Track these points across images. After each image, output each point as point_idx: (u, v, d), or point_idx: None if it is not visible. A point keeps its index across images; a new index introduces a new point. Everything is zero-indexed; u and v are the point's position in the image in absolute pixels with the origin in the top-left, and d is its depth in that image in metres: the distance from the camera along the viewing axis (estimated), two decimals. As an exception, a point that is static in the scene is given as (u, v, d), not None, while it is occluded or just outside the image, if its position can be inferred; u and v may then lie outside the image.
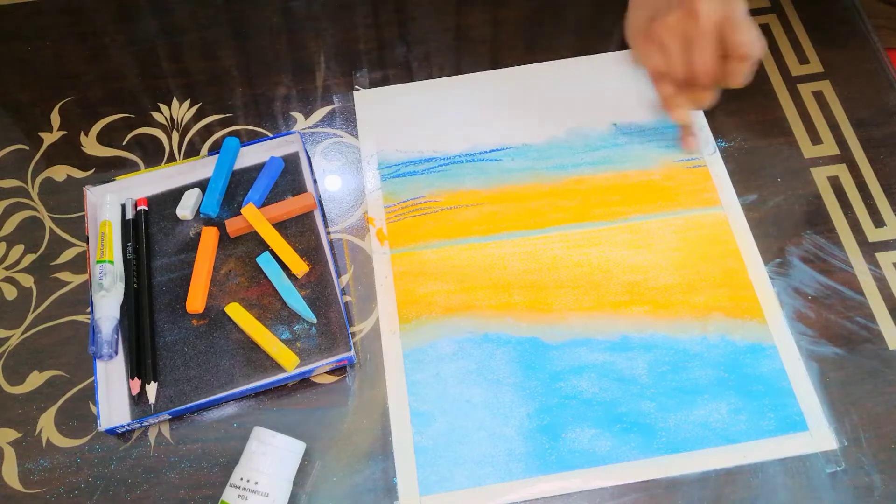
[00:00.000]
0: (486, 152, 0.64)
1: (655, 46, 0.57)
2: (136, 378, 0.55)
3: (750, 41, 0.54)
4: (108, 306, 0.56)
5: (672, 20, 0.55)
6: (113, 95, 0.68)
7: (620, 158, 0.63)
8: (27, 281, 0.60)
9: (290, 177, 0.63)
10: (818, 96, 0.66)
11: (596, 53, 0.68)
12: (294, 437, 0.51)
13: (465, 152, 0.64)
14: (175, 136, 0.66)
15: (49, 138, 0.66)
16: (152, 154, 0.65)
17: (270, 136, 0.64)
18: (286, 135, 0.63)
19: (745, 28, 0.54)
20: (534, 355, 0.56)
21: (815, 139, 0.64)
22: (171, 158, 0.65)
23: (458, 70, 0.68)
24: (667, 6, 0.56)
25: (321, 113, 0.67)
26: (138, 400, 0.55)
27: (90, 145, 0.66)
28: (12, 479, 0.53)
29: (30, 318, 0.59)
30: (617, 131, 0.65)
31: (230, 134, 0.66)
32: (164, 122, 0.67)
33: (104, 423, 0.53)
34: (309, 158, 0.64)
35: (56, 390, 0.56)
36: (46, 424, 0.55)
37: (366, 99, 0.67)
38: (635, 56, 0.60)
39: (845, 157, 0.63)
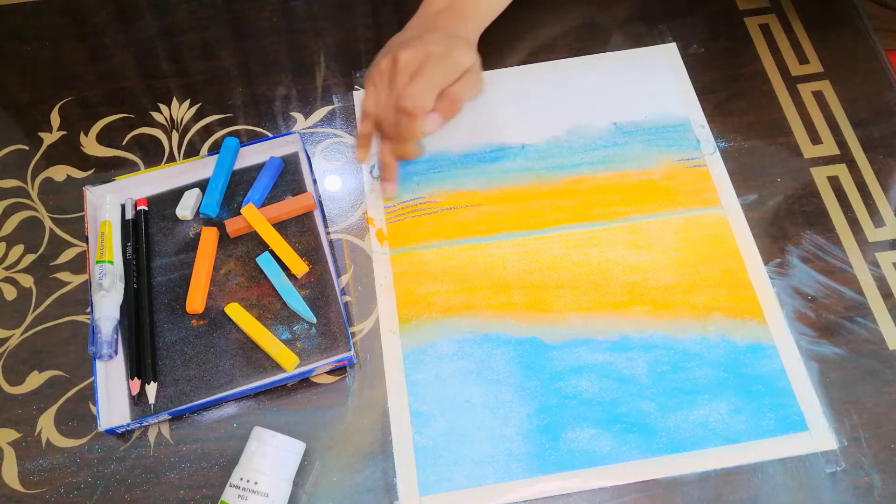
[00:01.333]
0: (486, 152, 0.64)
1: (371, 86, 0.58)
2: (135, 378, 0.55)
3: (409, 95, 0.54)
4: (107, 306, 0.56)
5: (382, 64, 0.57)
6: (113, 95, 0.68)
7: (620, 158, 0.63)
8: (27, 281, 0.60)
9: (289, 177, 0.63)
10: (818, 96, 0.66)
11: (596, 53, 0.68)
12: (294, 437, 0.51)
13: (465, 152, 0.64)
14: (175, 136, 0.66)
15: (49, 138, 0.66)
16: (152, 154, 0.65)
17: (270, 136, 0.64)
18: (286, 135, 0.63)
19: (417, 83, 0.54)
20: (534, 355, 0.56)
21: (815, 139, 0.64)
22: (171, 158, 0.65)
23: (457, 70, 0.68)
24: (390, 49, 0.58)
25: (321, 113, 0.67)
26: (138, 400, 0.55)
27: (90, 145, 0.66)
28: (12, 480, 0.53)
29: (30, 318, 0.59)
30: (617, 131, 0.65)
31: (230, 134, 0.66)
32: (164, 122, 0.67)
33: (104, 424, 0.53)
34: (309, 158, 0.64)
35: (56, 390, 0.56)
36: (46, 424, 0.55)
37: (365, 99, 0.67)
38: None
39: (845, 157, 0.63)
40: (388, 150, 0.59)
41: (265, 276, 0.58)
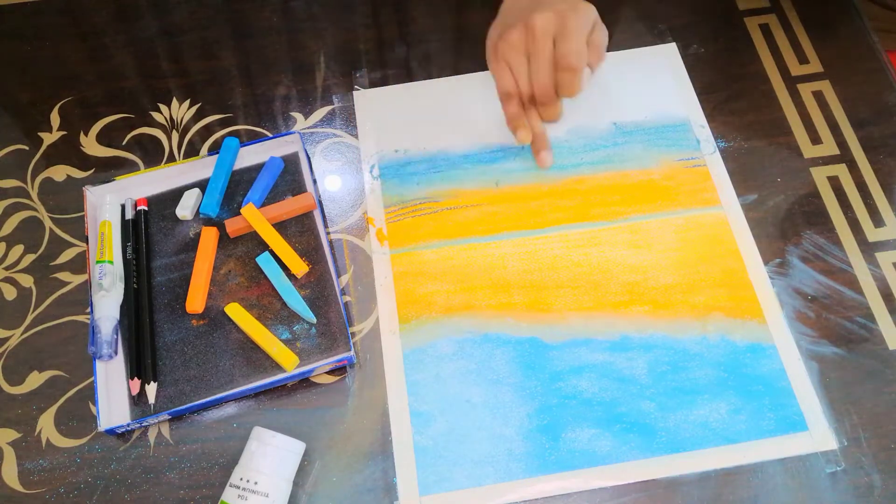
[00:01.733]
0: (486, 152, 0.64)
1: (503, 64, 0.57)
2: (135, 378, 0.55)
3: (572, 51, 0.54)
4: (107, 306, 0.56)
5: (513, 37, 0.55)
6: (113, 95, 0.68)
7: (620, 158, 0.63)
8: (27, 281, 0.60)
9: (289, 177, 0.63)
10: (818, 96, 0.66)
11: (596, 53, 0.68)
12: (294, 437, 0.51)
13: (465, 152, 0.64)
14: (175, 136, 0.66)
15: (49, 138, 0.66)
16: (152, 154, 0.65)
17: (270, 136, 0.64)
18: (286, 135, 0.63)
19: (571, 39, 0.54)
20: (534, 355, 0.56)
21: (815, 139, 0.64)
22: (171, 158, 0.65)
23: (457, 70, 0.68)
24: (515, 21, 0.56)
25: (321, 113, 0.67)
26: (138, 400, 0.55)
27: (90, 145, 0.66)
28: (12, 480, 0.53)
29: (29, 318, 0.59)
30: (617, 131, 0.65)
31: (230, 134, 0.66)
32: (164, 122, 0.67)
33: (104, 424, 0.53)
34: (309, 158, 0.64)
35: (56, 390, 0.56)
36: (46, 424, 0.55)
37: (365, 99, 0.67)
38: (491, 72, 0.59)
39: (845, 157, 0.63)
40: (537, 118, 0.59)
41: (265, 276, 0.58)
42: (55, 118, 0.67)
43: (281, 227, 0.60)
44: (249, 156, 0.64)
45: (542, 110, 0.58)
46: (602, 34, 0.57)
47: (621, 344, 0.56)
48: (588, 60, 0.55)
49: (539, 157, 0.62)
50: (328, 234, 0.61)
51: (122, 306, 0.57)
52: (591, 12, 0.56)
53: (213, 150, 0.64)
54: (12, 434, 0.55)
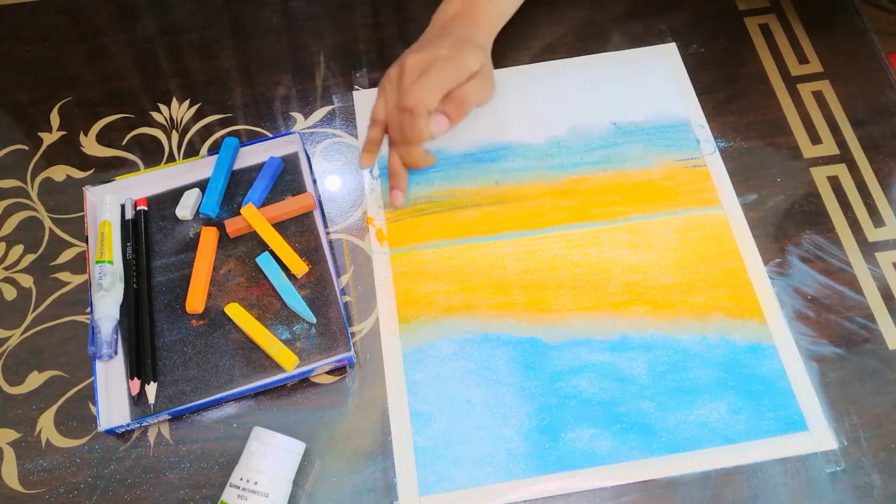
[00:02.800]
0: (485, 152, 0.64)
1: (381, 93, 0.58)
2: (135, 378, 0.55)
3: (411, 93, 0.54)
4: (107, 306, 0.56)
5: (392, 71, 0.57)
6: (112, 95, 0.68)
7: (620, 158, 0.63)
8: (27, 281, 0.60)
9: (289, 177, 0.63)
10: (818, 96, 0.66)
11: (596, 53, 0.68)
12: (294, 437, 0.51)
13: (465, 152, 0.64)
14: (175, 136, 0.66)
15: (48, 138, 0.66)
16: (152, 154, 0.65)
17: (270, 136, 0.64)
18: (286, 135, 0.63)
19: (420, 82, 0.54)
20: (534, 355, 0.56)
21: (815, 139, 0.64)
22: (171, 158, 0.65)
23: (457, 70, 0.68)
24: (401, 56, 0.58)
25: (321, 113, 0.67)
26: (138, 400, 0.55)
27: (90, 145, 0.66)
28: (12, 480, 0.53)
29: (29, 318, 0.59)
30: (617, 131, 0.65)
31: (230, 134, 0.66)
32: (164, 122, 0.67)
33: (104, 424, 0.53)
34: (308, 158, 0.64)
35: (56, 390, 0.56)
36: (46, 425, 0.55)
37: (366, 99, 0.67)
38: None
39: (845, 157, 0.63)
40: (396, 157, 0.59)
41: (265, 276, 0.58)
42: (55, 118, 0.67)
43: (281, 227, 0.60)
44: (249, 156, 0.64)
45: (400, 150, 0.58)
46: (475, 90, 0.57)
47: (621, 344, 0.56)
48: (447, 111, 0.56)
49: (391, 194, 0.61)
50: (328, 234, 0.61)
51: (121, 306, 0.57)
52: (471, 63, 0.56)
53: (213, 150, 0.64)
54: (12, 434, 0.55)
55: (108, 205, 0.61)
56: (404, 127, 0.55)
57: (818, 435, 0.52)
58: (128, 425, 0.53)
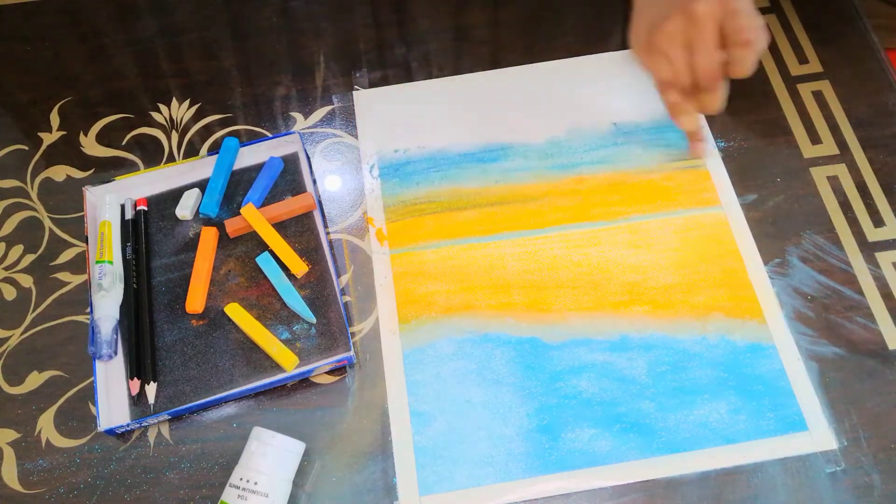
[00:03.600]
0: (486, 152, 0.64)
1: (659, 56, 0.56)
2: (135, 378, 0.55)
3: (752, 26, 0.52)
4: (107, 306, 0.56)
5: (671, 27, 0.54)
6: (112, 95, 0.68)
7: (620, 158, 0.63)
8: (27, 281, 0.60)
9: (289, 177, 0.63)
10: (818, 96, 0.66)
11: (596, 53, 0.68)
12: (294, 437, 0.51)
13: (465, 152, 0.64)
14: (174, 136, 0.66)
15: (48, 138, 0.66)
16: (152, 154, 0.65)
17: (270, 136, 0.64)
18: (286, 135, 0.63)
19: (743, 15, 0.52)
20: (533, 355, 0.56)
21: (815, 139, 0.64)
22: (171, 158, 0.65)
23: (457, 70, 0.68)
24: (666, 11, 0.55)
25: (321, 113, 0.67)
26: (138, 400, 0.55)
27: (89, 145, 0.66)
28: (12, 480, 0.53)
29: (29, 318, 0.59)
30: (617, 131, 0.65)
31: (230, 134, 0.66)
32: (164, 123, 0.67)
33: (104, 424, 0.53)
34: (308, 158, 0.64)
35: (55, 390, 0.56)
36: (46, 425, 0.55)
37: (365, 99, 0.67)
38: (642, 66, 0.58)
39: (845, 157, 0.63)
40: (695, 109, 0.58)
41: (265, 276, 0.58)
42: (55, 118, 0.67)
43: (281, 227, 0.60)
44: (249, 156, 0.64)
45: (704, 98, 0.56)
46: (759, 16, 0.55)
47: (621, 344, 0.56)
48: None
49: (696, 147, 0.61)
50: (328, 234, 0.61)
51: (121, 306, 0.57)
52: None
53: (213, 150, 0.64)
54: (12, 434, 0.55)
55: (108, 205, 0.61)
56: (737, 62, 0.53)
57: (818, 435, 0.52)
58: (128, 425, 0.53)
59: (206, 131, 0.66)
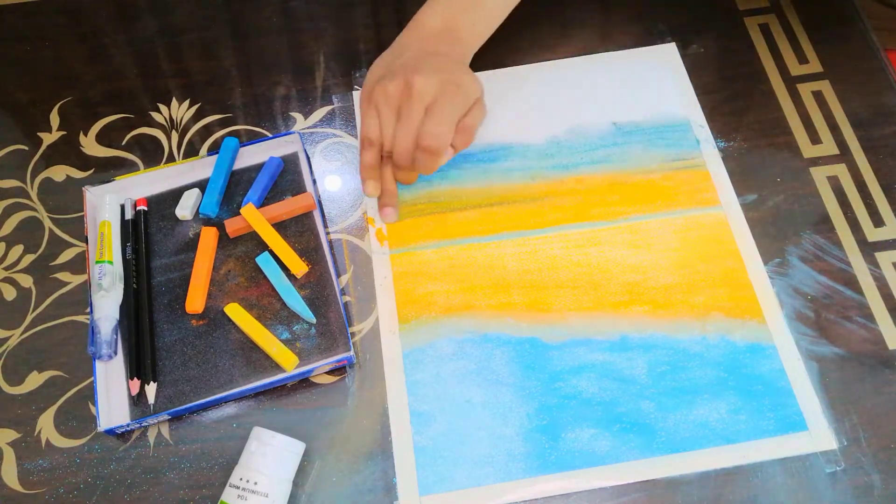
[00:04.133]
0: (486, 152, 0.64)
1: (372, 112, 0.56)
2: (135, 378, 0.55)
3: (436, 133, 0.53)
4: (107, 306, 0.56)
5: (391, 89, 0.54)
6: (112, 95, 0.68)
7: (620, 158, 0.63)
8: (26, 281, 0.60)
9: (289, 177, 0.63)
10: (818, 96, 0.66)
11: (596, 53, 0.68)
12: (294, 437, 0.51)
13: (465, 152, 0.64)
14: (174, 136, 0.66)
15: (48, 138, 0.66)
16: (151, 154, 0.65)
17: (270, 136, 0.64)
18: (285, 135, 0.63)
19: (438, 118, 0.53)
20: (533, 355, 0.56)
21: (815, 139, 0.64)
22: (171, 158, 0.65)
23: (457, 70, 0.68)
24: (397, 69, 0.55)
25: (321, 113, 0.67)
26: (138, 400, 0.55)
27: (89, 145, 0.66)
28: (12, 480, 0.53)
29: (29, 318, 0.59)
30: (617, 131, 0.65)
31: (229, 134, 0.66)
32: (164, 123, 0.67)
33: (103, 424, 0.53)
34: (308, 158, 0.64)
35: (55, 390, 0.56)
36: (46, 425, 0.55)
37: (365, 99, 0.67)
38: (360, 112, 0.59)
39: (845, 156, 0.63)
40: (390, 176, 0.59)
41: (265, 276, 0.58)
42: (55, 118, 0.67)
43: (280, 227, 0.60)
44: (249, 156, 0.64)
45: (397, 172, 0.58)
46: (477, 116, 0.56)
47: (621, 344, 0.56)
48: (453, 142, 0.56)
49: (383, 212, 0.60)
50: (328, 234, 0.61)
51: (121, 306, 0.57)
52: (474, 90, 0.56)
53: (213, 150, 0.64)
54: (12, 434, 0.55)
55: (107, 205, 0.61)
56: (419, 163, 0.55)
57: (818, 435, 0.52)
58: (128, 425, 0.53)
59: (206, 131, 0.66)
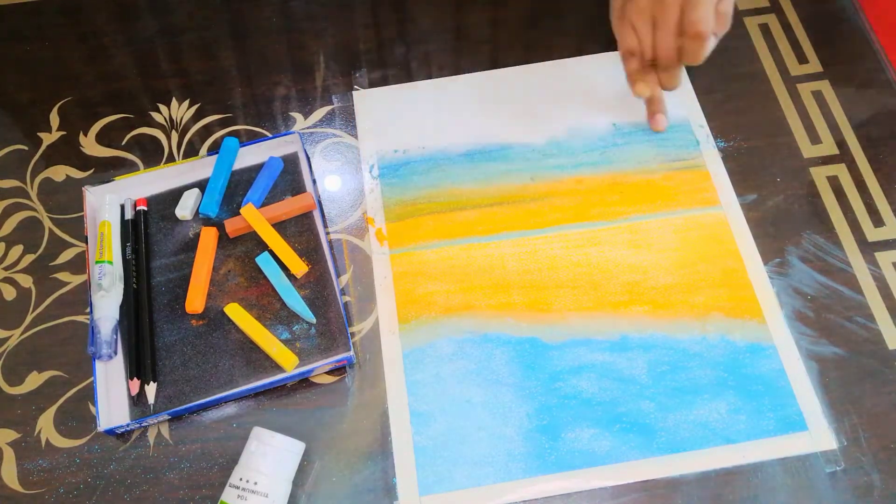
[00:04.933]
0: (486, 152, 0.64)
1: (628, 27, 0.59)
2: (135, 378, 0.55)
3: (701, 19, 0.54)
4: (107, 306, 0.56)
5: (643, 2, 0.57)
6: (112, 95, 0.68)
7: (620, 158, 0.63)
8: (26, 281, 0.60)
9: (289, 177, 0.63)
10: (817, 96, 0.66)
11: (596, 53, 0.68)
12: (294, 437, 0.51)
13: (465, 152, 0.64)
14: (174, 136, 0.66)
15: (48, 138, 0.66)
16: (151, 154, 0.65)
17: (270, 136, 0.64)
18: (285, 135, 0.63)
19: (700, 6, 0.54)
20: (533, 355, 0.56)
21: (815, 139, 0.64)
22: (171, 158, 0.65)
23: (457, 70, 0.68)
24: None
25: (320, 113, 0.67)
26: (137, 400, 0.55)
27: (89, 145, 0.66)
28: (12, 480, 0.53)
29: (29, 318, 0.59)
30: (617, 131, 0.65)
31: (229, 134, 0.66)
32: (164, 123, 0.67)
33: (103, 424, 0.53)
34: (308, 158, 0.64)
35: (55, 391, 0.56)
36: (46, 425, 0.55)
37: (365, 99, 0.67)
38: (615, 34, 0.61)
39: (844, 156, 0.63)
40: (656, 82, 0.61)
41: (265, 276, 0.58)
42: (55, 118, 0.67)
43: (280, 227, 0.60)
44: (249, 156, 0.64)
45: (662, 76, 0.60)
46: (729, 2, 0.57)
47: (621, 344, 0.56)
48: (714, 28, 0.56)
49: (654, 119, 0.63)
50: (328, 234, 0.61)
51: (121, 306, 0.57)
52: None
53: (213, 150, 0.64)
54: (12, 434, 0.55)
55: (107, 205, 0.61)
56: (688, 52, 0.56)
57: (818, 435, 0.52)
58: (127, 425, 0.53)
59: (206, 131, 0.66)
